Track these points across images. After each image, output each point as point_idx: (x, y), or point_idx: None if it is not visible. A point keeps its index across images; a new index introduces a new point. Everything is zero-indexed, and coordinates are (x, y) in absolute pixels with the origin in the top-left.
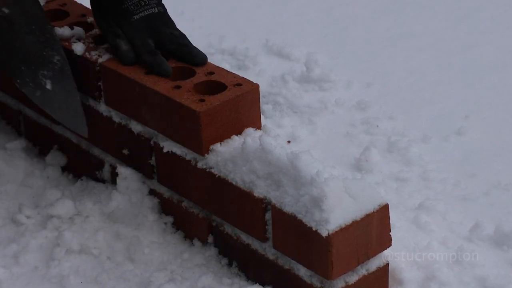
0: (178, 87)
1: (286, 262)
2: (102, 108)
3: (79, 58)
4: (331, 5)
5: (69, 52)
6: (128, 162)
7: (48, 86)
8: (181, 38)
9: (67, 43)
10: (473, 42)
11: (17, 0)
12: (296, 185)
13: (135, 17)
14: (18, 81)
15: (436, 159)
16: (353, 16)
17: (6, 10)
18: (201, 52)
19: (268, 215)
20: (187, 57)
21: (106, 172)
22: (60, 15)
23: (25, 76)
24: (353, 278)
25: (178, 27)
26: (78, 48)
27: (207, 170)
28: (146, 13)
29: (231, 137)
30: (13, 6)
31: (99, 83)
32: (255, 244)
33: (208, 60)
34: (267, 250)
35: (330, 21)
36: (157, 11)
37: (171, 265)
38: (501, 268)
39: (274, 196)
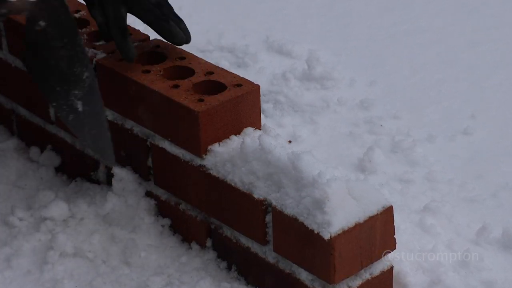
0: (176, 86)
1: (287, 266)
2: None
3: None
4: (333, 0)
5: None
6: (124, 163)
7: (80, 108)
8: (162, 7)
9: None
10: (479, 39)
11: (52, 9)
12: (297, 186)
13: None
14: (54, 104)
15: (442, 160)
16: (356, 12)
17: (42, 23)
18: (181, 32)
19: (268, 217)
20: (166, 35)
21: (101, 173)
22: None
23: (60, 98)
24: (356, 282)
25: None
26: None
27: (205, 171)
28: None
29: (230, 137)
30: (48, 17)
31: None
32: (255, 247)
33: (207, 58)
34: (268, 254)
35: (333, 17)
36: None
37: (168, 269)
38: (509, 271)
39: (274, 198)
